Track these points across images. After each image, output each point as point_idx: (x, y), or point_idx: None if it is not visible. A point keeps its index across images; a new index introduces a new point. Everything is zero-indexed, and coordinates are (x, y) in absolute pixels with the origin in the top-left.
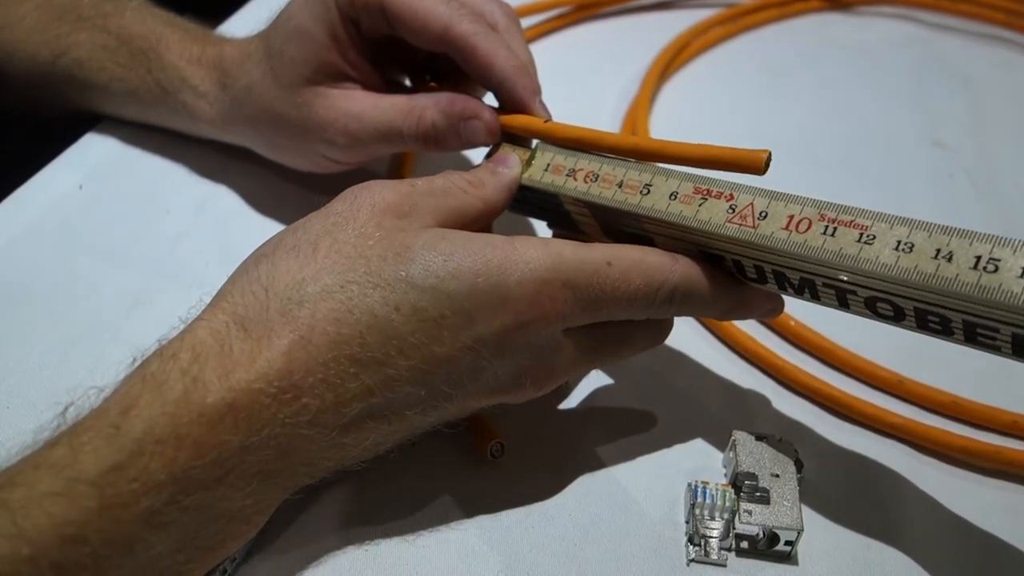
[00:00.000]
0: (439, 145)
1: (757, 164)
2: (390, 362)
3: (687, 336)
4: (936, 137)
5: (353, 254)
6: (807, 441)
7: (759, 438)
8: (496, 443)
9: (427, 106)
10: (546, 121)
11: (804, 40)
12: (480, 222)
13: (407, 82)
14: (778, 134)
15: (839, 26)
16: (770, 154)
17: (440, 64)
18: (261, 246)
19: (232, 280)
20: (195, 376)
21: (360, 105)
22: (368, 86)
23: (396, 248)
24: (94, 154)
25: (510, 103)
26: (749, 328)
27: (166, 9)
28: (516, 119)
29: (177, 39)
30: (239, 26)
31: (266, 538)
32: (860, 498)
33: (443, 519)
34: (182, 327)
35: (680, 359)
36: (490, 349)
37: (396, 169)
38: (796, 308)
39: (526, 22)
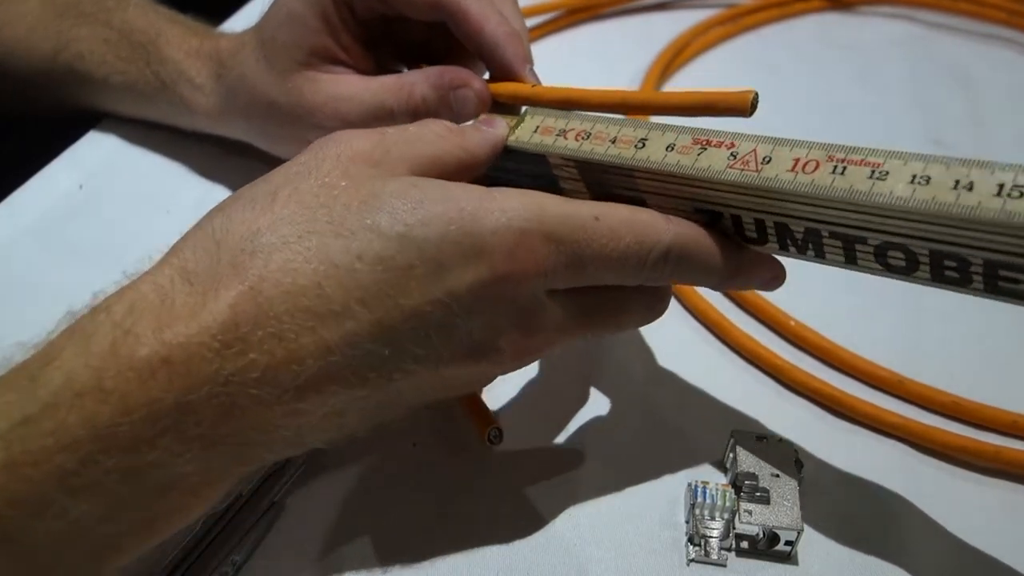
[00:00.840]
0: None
1: (743, 105)
2: (350, 315)
3: (687, 336)
4: (936, 136)
5: (314, 204)
6: (807, 441)
7: (759, 438)
8: (494, 428)
9: (416, 81)
10: (534, 86)
11: (804, 40)
12: (461, 175)
13: (404, 69)
14: (778, 134)
15: (839, 26)
16: (756, 95)
17: (435, 48)
18: (221, 201)
19: (185, 236)
20: (127, 329)
21: (350, 88)
22: (361, 70)
23: (363, 196)
24: (94, 154)
25: (500, 70)
26: (749, 328)
27: (168, 7)
28: (505, 86)
29: (176, 33)
30: (240, 26)
31: (267, 539)
32: (860, 498)
33: (443, 520)
34: (124, 283)
35: (680, 359)
36: (462, 304)
37: None
38: (796, 308)
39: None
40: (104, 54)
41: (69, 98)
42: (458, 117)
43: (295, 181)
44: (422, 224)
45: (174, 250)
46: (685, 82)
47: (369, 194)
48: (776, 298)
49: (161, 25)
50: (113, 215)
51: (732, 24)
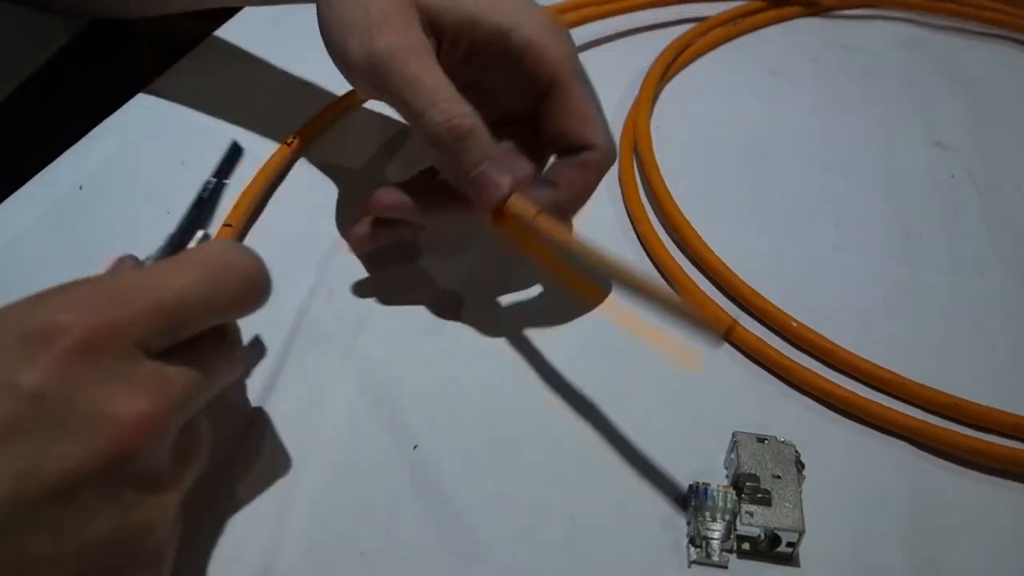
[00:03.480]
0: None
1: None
2: None
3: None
4: (937, 138)
5: None
6: (809, 442)
7: (760, 439)
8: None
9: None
10: (537, 214)
11: (805, 41)
12: None
13: None
14: (779, 135)
15: (841, 27)
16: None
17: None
18: None
19: None
20: None
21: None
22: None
23: None
24: (94, 155)
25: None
26: (751, 328)
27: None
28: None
29: None
30: (238, 29)
31: (269, 542)
32: (862, 499)
33: (444, 521)
34: None
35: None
36: None
37: None
38: (797, 308)
39: None
40: None
41: None
42: None
43: None
44: None
45: None
46: (685, 84)
47: None
48: (777, 299)
49: None
50: (113, 215)
51: (733, 25)
